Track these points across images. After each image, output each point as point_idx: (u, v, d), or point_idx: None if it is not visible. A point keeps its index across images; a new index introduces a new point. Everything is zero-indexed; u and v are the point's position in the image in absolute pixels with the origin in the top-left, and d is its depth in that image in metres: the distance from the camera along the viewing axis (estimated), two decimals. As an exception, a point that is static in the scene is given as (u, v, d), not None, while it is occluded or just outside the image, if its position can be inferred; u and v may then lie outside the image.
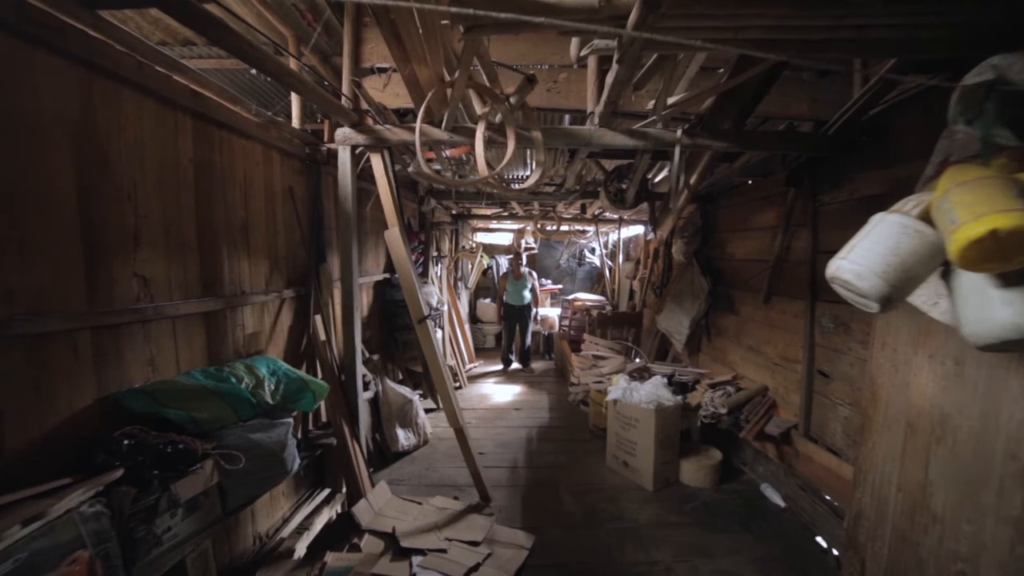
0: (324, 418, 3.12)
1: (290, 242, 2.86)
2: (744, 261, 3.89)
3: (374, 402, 3.72)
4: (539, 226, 6.32)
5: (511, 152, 2.14)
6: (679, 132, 2.42)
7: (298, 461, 2.07)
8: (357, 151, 2.81)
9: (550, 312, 7.82)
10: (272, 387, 2.07)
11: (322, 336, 2.85)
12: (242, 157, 2.40)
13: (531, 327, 6.63)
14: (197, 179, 2.05)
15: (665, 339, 5.13)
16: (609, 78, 1.92)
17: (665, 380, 3.56)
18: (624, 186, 3.82)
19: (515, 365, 6.76)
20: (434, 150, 3.76)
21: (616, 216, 6.53)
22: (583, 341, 6.43)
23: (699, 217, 4.58)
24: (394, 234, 2.88)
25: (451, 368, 5.49)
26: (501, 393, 5.58)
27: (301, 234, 2.91)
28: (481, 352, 7.87)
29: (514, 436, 4.23)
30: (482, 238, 9.77)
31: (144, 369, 1.76)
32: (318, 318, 2.89)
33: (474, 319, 8.49)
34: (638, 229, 7.47)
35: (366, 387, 3.64)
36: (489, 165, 2.36)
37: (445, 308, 4.96)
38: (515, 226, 8.69)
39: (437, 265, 5.78)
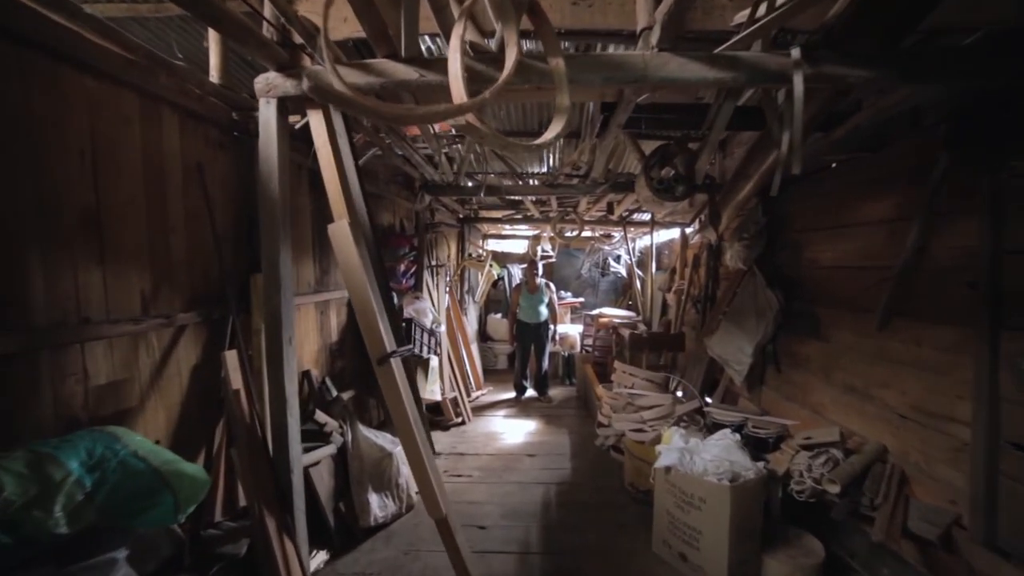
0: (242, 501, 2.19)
1: (196, 244, 1.97)
2: (835, 269, 2.88)
3: (340, 456, 2.79)
4: (558, 230, 5.38)
5: (511, 68, 1.21)
6: (795, 53, 1.46)
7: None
8: (289, 106, 1.91)
9: (570, 329, 6.84)
10: (85, 494, 1.16)
11: (236, 383, 1.93)
12: (90, 108, 1.52)
13: (548, 348, 5.65)
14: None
15: (713, 366, 4.11)
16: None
17: (736, 435, 2.56)
18: (672, 172, 2.86)
19: (530, 392, 5.79)
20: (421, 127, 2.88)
21: (648, 216, 5.55)
22: (611, 366, 5.44)
23: (761, 213, 3.59)
24: (341, 230, 1.96)
25: (452, 401, 4.56)
26: (512, 431, 4.60)
27: (214, 232, 2.02)
28: (492, 375, 6.90)
29: (526, 497, 3.25)
30: (494, 247, 8.87)
31: None
32: (231, 354, 1.97)
33: (484, 337, 7.54)
34: (672, 233, 6.47)
35: (327, 438, 2.72)
36: (479, 117, 1.43)
37: (443, 328, 4.06)
38: (530, 232, 7.78)
39: (436, 276, 4.87)
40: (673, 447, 2.50)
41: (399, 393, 1.92)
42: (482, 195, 4.00)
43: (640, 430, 3.12)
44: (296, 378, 2.05)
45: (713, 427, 3.02)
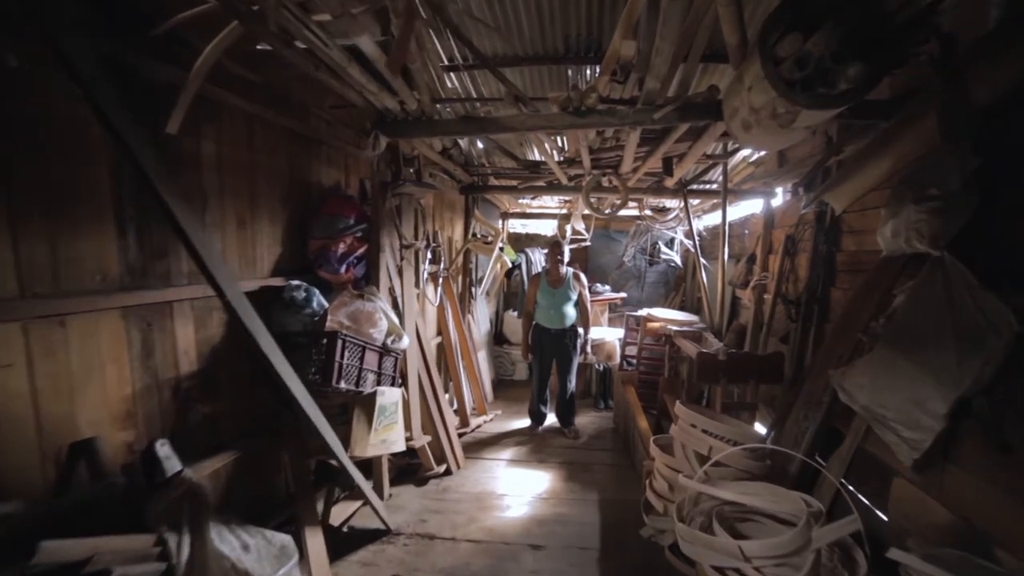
0: None
1: None
2: None
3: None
4: (591, 202, 3.82)
5: None
6: None
7: None
8: None
9: (607, 334, 5.29)
10: None
11: None
12: None
13: (576, 362, 4.14)
14: None
15: (834, 412, 2.49)
16: None
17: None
18: (819, 49, 1.29)
19: (550, 419, 4.32)
20: None
21: (716, 183, 3.90)
22: (663, 391, 3.88)
23: (967, 152, 1.92)
24: None
25: (426, 445, 3.15)
26: (515, 489, 3.16)
27: None
28: (505, 389, 5.47)
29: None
30: (518, 230, 7.36)
31: None
32: None
33: (499, 339, 6.10)
34: (743, 209, 4.77)
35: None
36: None
37: (407, 342, 2.65)
38: (556, 208, 6.22)
39: (404, 262, 3.44)
40: None
41: None
42: (477, 148, 2.52)
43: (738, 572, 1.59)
44: None
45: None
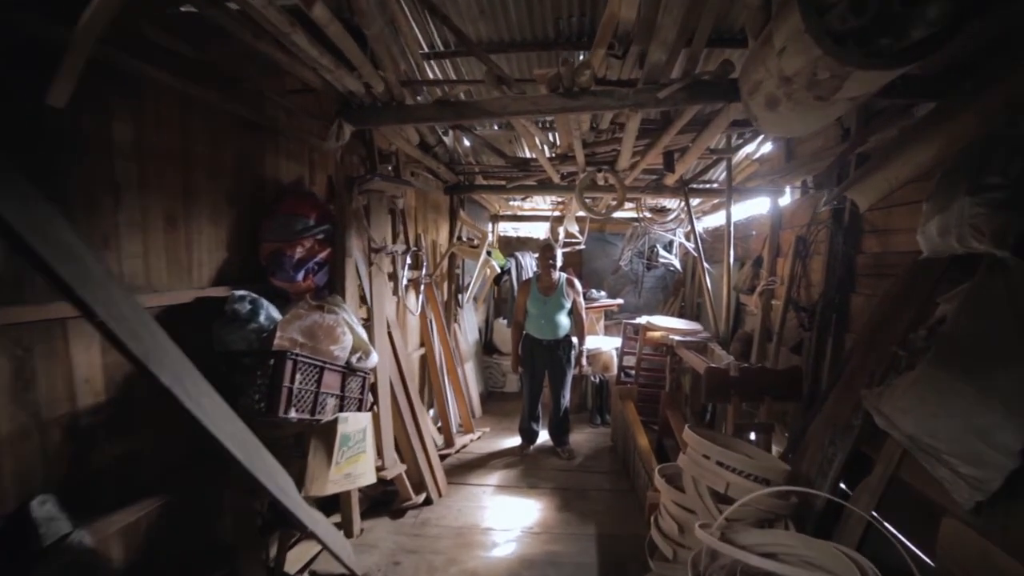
0: None
1: None
2: None
3: None
4: (584, 201, 3.51)
5: None
6: None
7: None
8: None
9: (603, 343, 4.96)
10: None
11: None
12: None
13: (570, 377, 3.81)
14: None
15: (864, 437, 2.18)
16: None
17: None
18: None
19: (543, 437, 3.97)
20: None
21: (719, 180, 3.59)
22: (664, 407, 3.55)
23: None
24: None
25: (403, 474, 2.79)
26: (501, 524, 2.81)
27: None
28: (495, 403, 5.12)
29: None
30: (508, 234, 7.06)
31: None
32: None
33: (489, 348, 5.76)
34: (755, 206, 4.47)
35: None
36: None
37: (376, 359, 2.31)
38: (548, 210, 5.91)
39: (373, 266, 3.12)
40: None
41: None
42: (463, 146, 2.21)
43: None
44: None
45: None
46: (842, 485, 2.24)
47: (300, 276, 2.21)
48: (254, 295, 1.97)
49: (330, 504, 2.54)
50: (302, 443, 2.16)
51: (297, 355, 1.86)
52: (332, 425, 2.08)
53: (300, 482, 2.00)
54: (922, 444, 1.71)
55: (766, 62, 1.42)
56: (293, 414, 1.84)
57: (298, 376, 1.86)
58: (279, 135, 2.40)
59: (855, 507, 2.01)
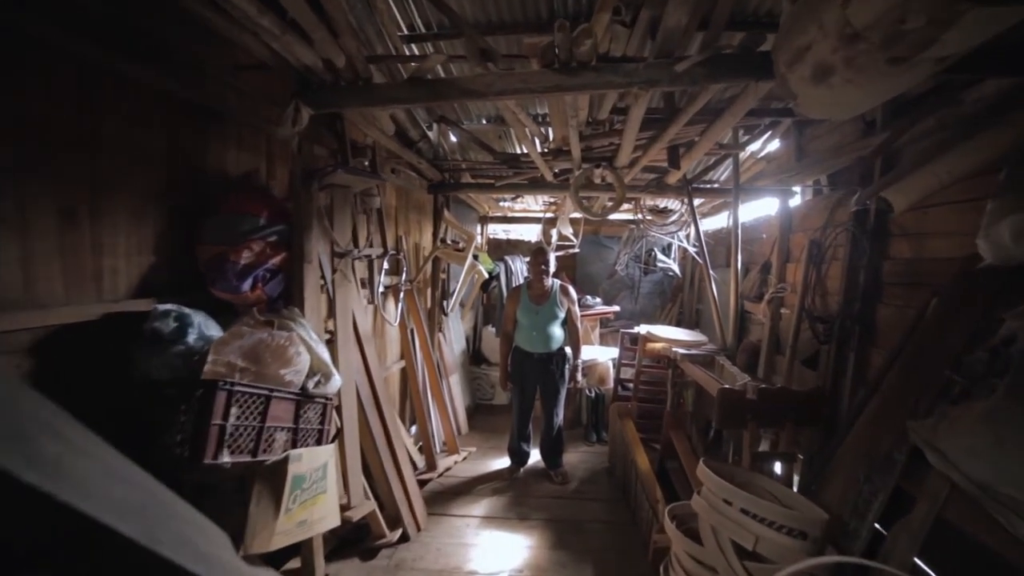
0: None
1: None
2: None
3: None
4: (580, 202, 3.18)
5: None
6: None
7: None
8: None
9: (599, 353, 4.63)
10: None
11: None
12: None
13: (564, 393, 3.47)
14: None
15: (904, 472, 1.86)
16: None
17: None
18: None
19: (534, 458, 3.63)
20: None
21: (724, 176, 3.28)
22: (667, 427, 3.22)
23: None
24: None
25: (375, 510, 2.44)
26: (486, 567, 2.45)
27: None
28: (483, 417, 4.78)
29: None
30: (498, 237, 6.73)
31: None
32: None
33: (477, 358, 5.41)
34: (762, 207, 4.18)
35: None
36: None
37: (338, 382, 1.96)
38: (541, 212, 5.58)
39: (337, 273, 2.77)
40: None
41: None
42: (449, 142, 1.88)
43: None
44: None
45: None
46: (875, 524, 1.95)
47: (247, 285, 1.85)
48: (183, 310, 1.61)
49: (290, 547, 2.18)
50: (246, 486, 1.80)
51: (233, 384, 1.51)
52: (281, 465, 1.72)
53: (242, 535, 1.64)
54: (999, 495, 1.40)
55: (821, 17, 1.10)
56: (226, 458, 1.48)
57: (234, 410, 1.51)
58: (226, 120, 2.05)
59: (893, 549, 1.72)
